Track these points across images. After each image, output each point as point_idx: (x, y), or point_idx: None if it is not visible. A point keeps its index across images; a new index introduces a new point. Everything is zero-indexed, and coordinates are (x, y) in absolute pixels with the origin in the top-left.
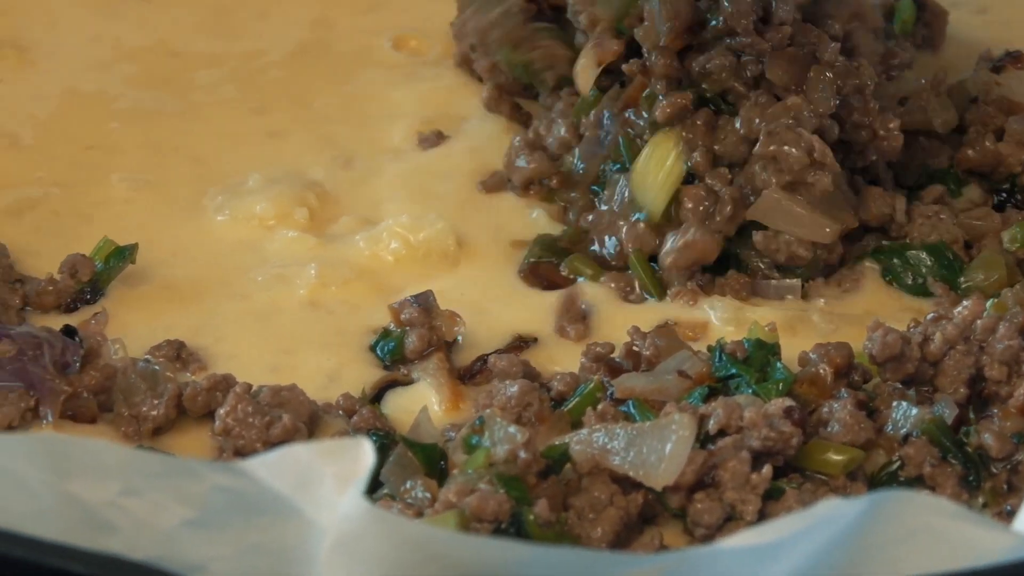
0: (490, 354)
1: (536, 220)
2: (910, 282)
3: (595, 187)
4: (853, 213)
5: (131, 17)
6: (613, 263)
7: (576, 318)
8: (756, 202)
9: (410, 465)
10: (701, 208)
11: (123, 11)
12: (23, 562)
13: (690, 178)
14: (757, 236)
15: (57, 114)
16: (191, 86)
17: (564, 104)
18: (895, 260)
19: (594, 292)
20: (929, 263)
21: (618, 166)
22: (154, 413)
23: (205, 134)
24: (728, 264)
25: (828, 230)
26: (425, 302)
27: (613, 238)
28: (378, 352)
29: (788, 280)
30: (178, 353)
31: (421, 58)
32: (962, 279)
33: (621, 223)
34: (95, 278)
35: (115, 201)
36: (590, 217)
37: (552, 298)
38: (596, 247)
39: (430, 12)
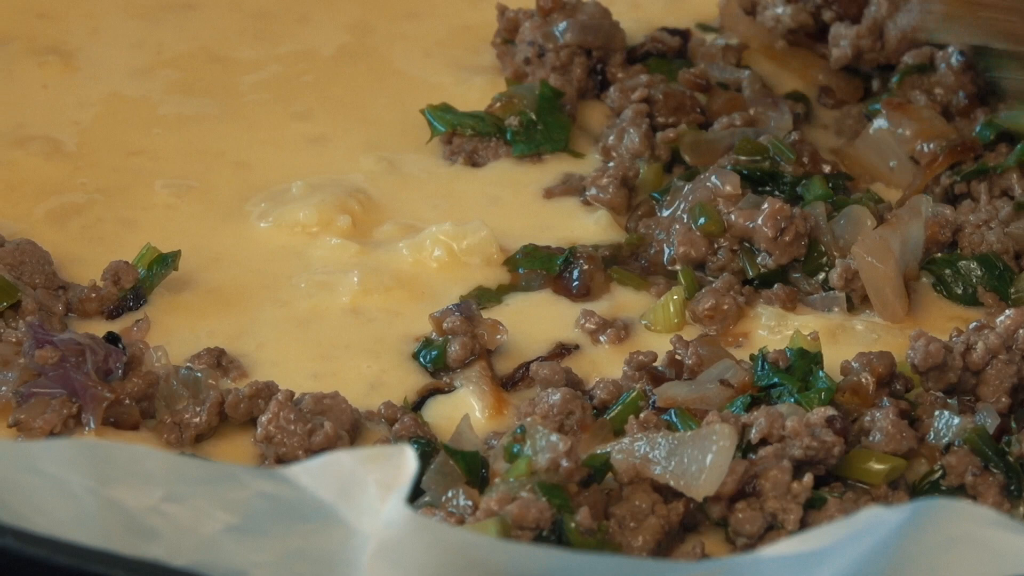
0: (532, 361)
1: (599, 222)
2: (960, 292)
3: (656, 195)
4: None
5: (173, 23)
6: (669, 270)
7: (618, 326)
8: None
9: (452, 473)
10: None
11: (165, 17)
12: (66, 568)
13: None
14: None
15: (100, 120)
16: (233, 91)
17: (634, 113)
18: (947, 271)
19: (639, 301)
20: (980, 273)
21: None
22: (196, 420)
23: (248, 140)
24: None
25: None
26: (467, 311)
27: (670, 245)
28: (421, 360)
29: (836, 292)
30: (218, 360)
31: (462, 65)
32: (1012, 289)
33: (678, 229)
34: (138, 285)
35: (158, 207)
36: (651, 224)
37: (594, 306)
38: (657, 252)
39: (468, 20)
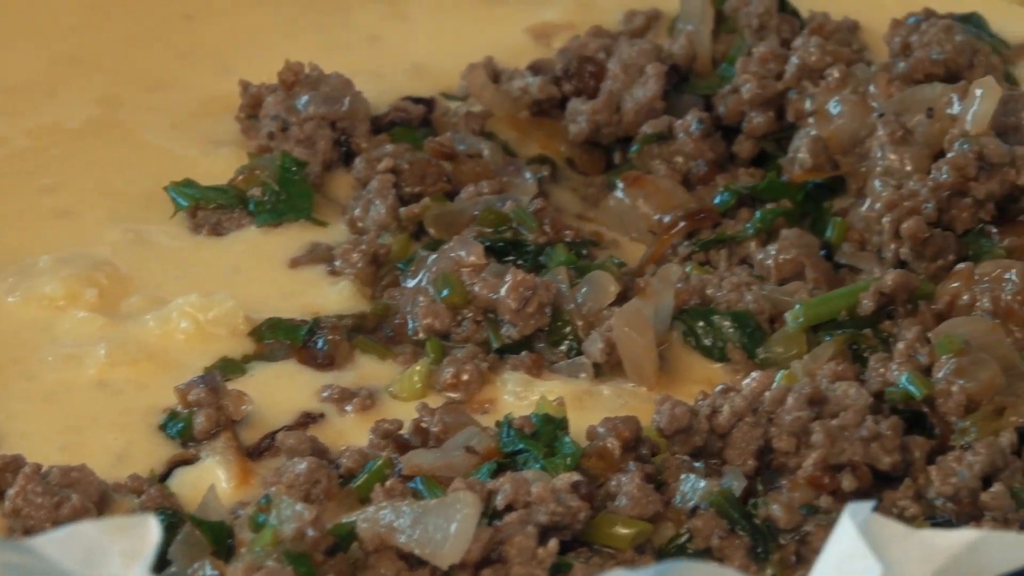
0: (278, 431)
1: (340, 293)
2: (710, 345)
3: (400, 265)
4: None
5: None
6: (415, 340)
7: (363, 395)
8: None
9: (198, 543)
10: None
11: None
12: None
13: None
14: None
15: None
16: None
17: (380, 184)
18: (700, 323)
19: (385, 370)
20: (732, 329)
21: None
22: None
23: None
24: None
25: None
26: (212, 382)
27: (415, 316)
28: (168, 431)
29: (582, 358)
30: None
31: (209, 137)
32: (761, 349)
33: (422, 300)
34: None
35: None
36: (396, 294)
37: (339, 375)
38: (401, 322)
39: (215, 92)
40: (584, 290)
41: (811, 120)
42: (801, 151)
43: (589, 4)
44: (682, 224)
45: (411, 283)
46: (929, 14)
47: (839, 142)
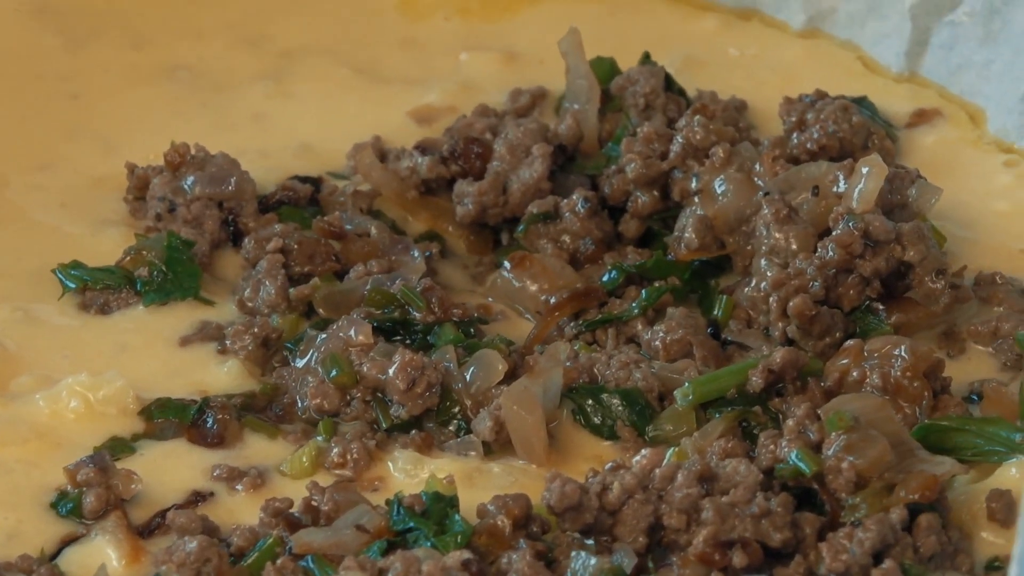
0: (168, 509)
1: (229, 372)
2: (599, 422)
3: (289, 344)
4: None
5: None
6: (305, 419)
7: (252, 474)
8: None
9: None
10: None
11: None
12: None
13: None
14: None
15: None
16: None
17: (269, 264)
18: (588, 401)
19: (274, 448)
20: (621, 407)
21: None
22: None
23: None
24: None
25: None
26: (101, 462)
27: (303, 396)
28: (59, 510)
29: (471, 437)
30: None
31: (98, 216)
32: (651, 427)
33: (311, 380)
34: None
35: None
36: (285, 373)
37: (229, 454)
38: (290, 401)
39: (102, 172)
40: (472, 369)
41: (696, 199)
42: (687, 230)
43: (471, 86)
44: (567, 305)
45: (300, 362)
46: (821, 95)
47: (724, 221)
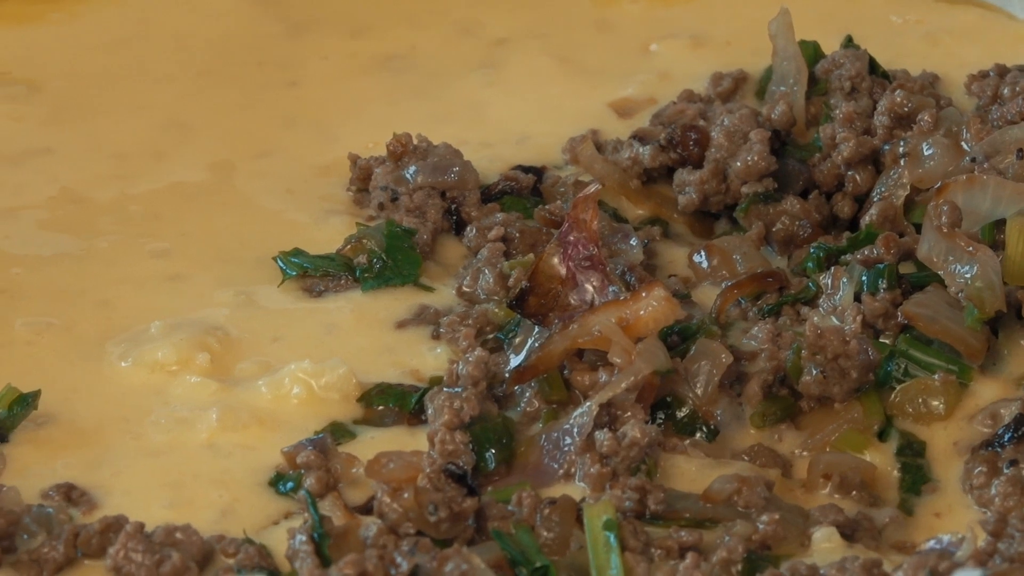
0: None
1: (440, 356)
2: None
3: (500, 334)
4: None
5: (33, 166)
6: None
7: None
8: None
9: None
10: None
11: (26, 160)
12: None
13: None
14: None
15: None
16: (94, 231)
17: (490, 252)
18: None
19: None
20: None
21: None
22: (53, 555)
23: (107, 278)
24: None
25: None
26: (322, 445)
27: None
28: (278, 488)
29: None
30: (68, 495)
31: (321, 204)
32: None
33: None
34: None
35: (18, 344)
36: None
37: None
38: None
39: (322, 160)
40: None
41: (902, 162)
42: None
43: (666, 76)
44: (747, 286)
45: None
46: (1003, 70)
47: (930, 185)
